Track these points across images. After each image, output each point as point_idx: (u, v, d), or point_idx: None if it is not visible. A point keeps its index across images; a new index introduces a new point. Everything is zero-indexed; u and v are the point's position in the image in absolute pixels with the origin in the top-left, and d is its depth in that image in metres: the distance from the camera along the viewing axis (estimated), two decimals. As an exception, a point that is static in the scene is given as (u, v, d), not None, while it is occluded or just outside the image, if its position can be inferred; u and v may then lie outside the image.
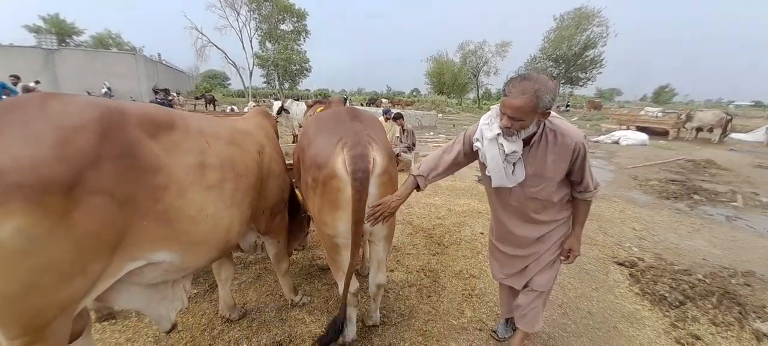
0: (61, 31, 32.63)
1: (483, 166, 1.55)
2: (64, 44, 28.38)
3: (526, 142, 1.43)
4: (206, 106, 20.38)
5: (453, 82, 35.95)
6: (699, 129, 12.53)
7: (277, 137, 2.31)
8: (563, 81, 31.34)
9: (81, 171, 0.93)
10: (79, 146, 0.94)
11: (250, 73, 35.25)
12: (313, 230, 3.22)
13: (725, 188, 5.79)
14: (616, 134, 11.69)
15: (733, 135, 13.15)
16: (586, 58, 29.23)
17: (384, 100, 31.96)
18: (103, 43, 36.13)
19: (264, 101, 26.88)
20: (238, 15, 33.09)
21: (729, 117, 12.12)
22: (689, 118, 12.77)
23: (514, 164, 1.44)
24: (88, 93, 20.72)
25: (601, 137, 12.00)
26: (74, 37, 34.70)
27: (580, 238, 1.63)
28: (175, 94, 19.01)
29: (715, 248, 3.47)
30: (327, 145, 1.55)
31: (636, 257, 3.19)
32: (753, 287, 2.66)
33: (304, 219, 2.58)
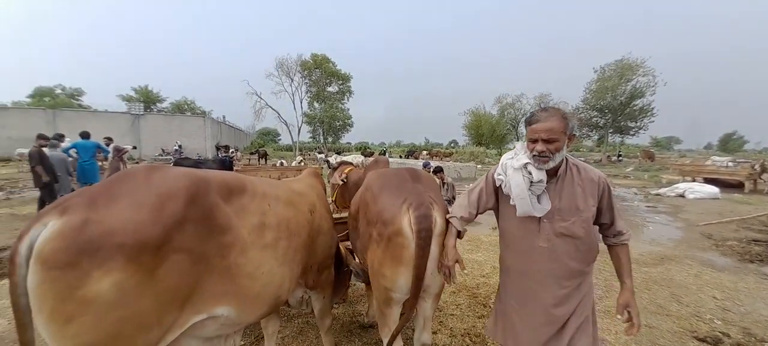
0: (148, 99, 38.54)
1: (506, 200, 1.51)
2: (148, 110, 33.23)
3: (553, 175, 1.43)
4: (259, 160, 22.14)
5: (491, 134, 35.81)
6: (783, 180, 11.02)
7: (326, 194, 2.49)
8: (611, 130, 29.76)
9: (170, 232, 1.10)
10: (170, 211, 1.12)
11: (299, 130, 38.23)
12: (355, 284, 3.25)
13: (829, 252, 4.91)
14: (681, 186, 10.62)
15: (831, 187, 11.33)
16: (634, 108, 27.77)
17: (424, 153, 32.53)
18: (180, 108, 41.88)
19: (309, 154, 28.72)
20: (292, 81, 36.96)
21: (820, 167, 10.56)
22: (765, 169, 11.33)
23: (538, 196, 1.41)
24: (163, 150, 23.66)
25: (663, 190, 10.97)
26: (158, 104, 40.69)
27: (632, 291, 1.44)
28: (233, 150, 21.08)
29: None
30: (393, 204, 1.69)
31: (720, 332, 2.75)
32: None
33: (346, 273, 2.64)
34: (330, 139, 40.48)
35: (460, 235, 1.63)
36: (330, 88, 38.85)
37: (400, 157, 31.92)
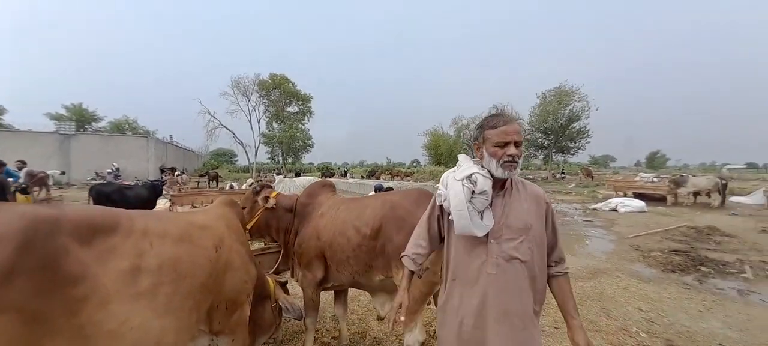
0: (82, 118, 35.01)
1: (450, 220, 1.33)
2: (82, 130, 30.14)
3: (500, 187, 1.29)
4: (209, 183, 20.81)
5: (449, 154, 37.15)
6: (696, 194, 12.48)
7: (244, 226, 2.27)
8: (554, 150, 32.33)
9: None
10: None
11: (256, 151, 36.86)
12: (288, 321, 2.99)
13: (733, 257, 5.51)
14: (614, 201, 11.59)
15: (733, 198, 13.04)
16: (572, 129, 30.61)
17: (387, 173, 32.68)
18: (120, 128, 38.54)
19: (267, 176, 27.61)
20: (249, 100, 35.86)
21: (724, 181, 12.14)
22: (678, 183, 12.79)
23: (481, 213, 1.24)
24: (97, 174, 21.43)
25: (599, 205, 11.90)
26: (93, 123, 37.07)
27: (584, 328, 1.27)
28: (180, 172, 19.62)
29: (731, 329, 3.15)
30: None
31: (645, 345, 2.88)
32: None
33: (274, 310, 2.39)
34: (290, 160, 39.42)
35: (414, 275, 1.46)
36: (289, 109, 38.22)
37: (362, 177, 31.84)
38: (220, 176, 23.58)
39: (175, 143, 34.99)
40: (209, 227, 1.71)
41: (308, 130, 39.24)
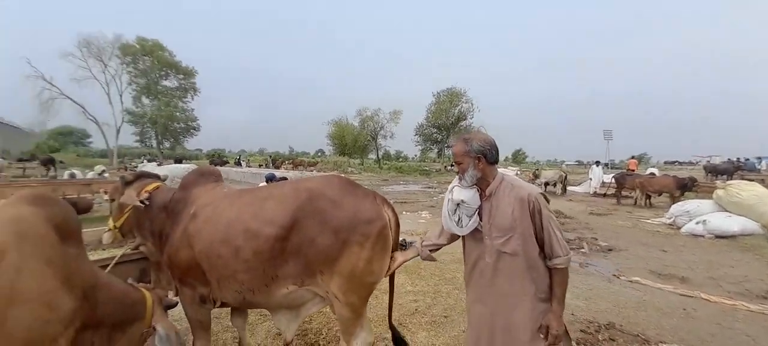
0: None
1: None
2: None
3: (487, 194, 1.55)
4: (47, 170, 15.86)
5: (354, 144, 37.43)
6: (547, 184, 15.54)
7: (72, 234, 1.51)
8: (446, 145, 36.28)
9: None
10: None
11: (118, 131, 30.00)
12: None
13: (573, 235, 6.89)
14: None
15: (570, 188, 16.71)
16: (461, 127, 34.89)
17: (287, 162, 30.78)
18: None
19: (133, 163, 22.62)
20: (106, 67, 28.75)
21: (565, 174, 15.44)
22: (536, 176, 15.84)
23: (469, 216, 1.55)
24: None
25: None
26: None
27: (559, 315, 1.48)
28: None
29: (579, 299, 3.79)
30: (367, 202, 1.79)
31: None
32: (617, 342, 2.87)
33: (145, 338, 1.66)
34: (167, 145, 33.41)
35: (413, 256, 1.92)
36: (166, 82, 32.26)
37: (261, 166, 29.35)
38: (60, 162, 18.20)
39: (-18, 115, 25.63)
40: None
41: (192, 110, 34.00)
